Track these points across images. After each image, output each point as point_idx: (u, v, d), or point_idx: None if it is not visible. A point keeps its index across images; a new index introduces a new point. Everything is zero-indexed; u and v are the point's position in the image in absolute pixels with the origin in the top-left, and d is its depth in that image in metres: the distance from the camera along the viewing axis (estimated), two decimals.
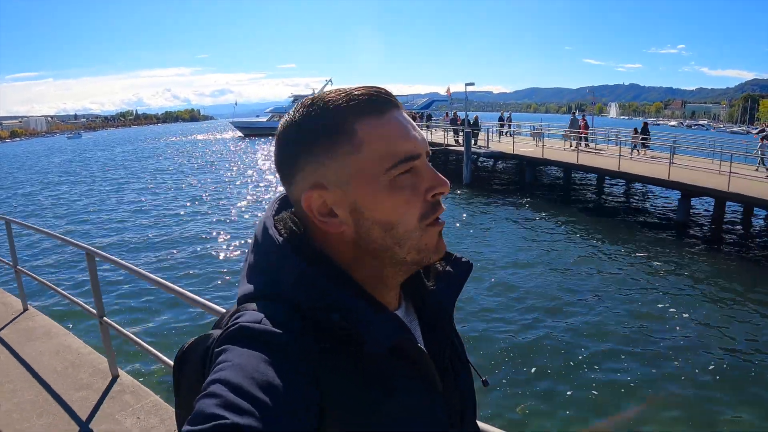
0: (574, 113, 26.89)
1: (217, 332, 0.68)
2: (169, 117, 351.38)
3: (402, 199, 0.67)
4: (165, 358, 2.99)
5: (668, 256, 12.28)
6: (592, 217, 16.64)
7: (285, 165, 0.70)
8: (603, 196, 20.44)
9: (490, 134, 25.91)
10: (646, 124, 23.15)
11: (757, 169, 16.58)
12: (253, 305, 0.65)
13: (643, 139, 21.13)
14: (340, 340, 0.64)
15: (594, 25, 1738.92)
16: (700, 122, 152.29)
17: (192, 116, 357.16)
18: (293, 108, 0.70)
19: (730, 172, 13.48)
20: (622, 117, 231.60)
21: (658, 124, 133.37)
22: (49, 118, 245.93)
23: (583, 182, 22.65)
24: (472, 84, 28.10)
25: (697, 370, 6.98)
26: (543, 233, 14.80)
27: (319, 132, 0.66)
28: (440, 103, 63.79)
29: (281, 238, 0.69)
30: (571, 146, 22.28)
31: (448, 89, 57.40)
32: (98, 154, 59.11)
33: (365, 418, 0.62)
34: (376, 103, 0.67)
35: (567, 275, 11.01)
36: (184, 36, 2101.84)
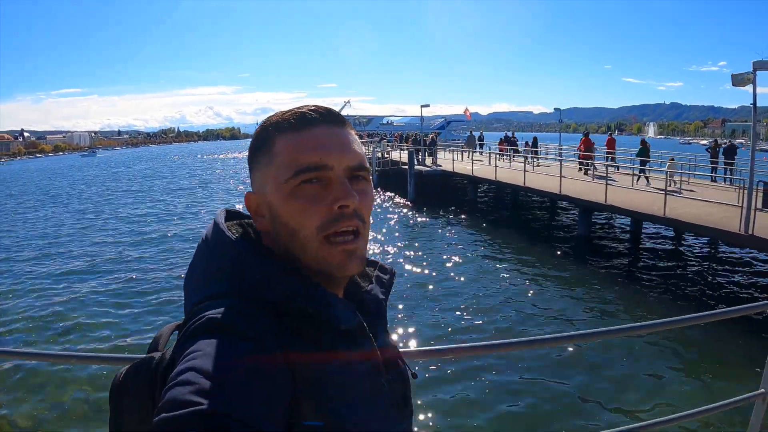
0: (471, 131, 30.66)
1: (158, 354, 0.72)
2: (210, 135, 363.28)
3: (301, 205, 0.71)
4: None
5: (562, 269, 12.41)
6: (511, 230, 16.82)
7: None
8: (524, 211, 20.55)
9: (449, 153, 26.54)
10: (535, 138, 25.45)
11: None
12: (211, 303, 0.67)
13: (534, 152, 23.31)
14: (303, 323, 0.68)
15: (633, 44, 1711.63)
16: (736, 141, 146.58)
17: (232, 134, 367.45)
18: None
19: (606, 184, 13.21)
20: (659, 137, 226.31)
21: (690, 144, 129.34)
22: (93, 134, 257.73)
23: (527, 200, 21.97)
24: (427, 106, 28.97)
25: None
26: (464, 245, 15.18)
27: (254, 146, 0.78)
28: (458, 124, 63.65)
29: (238, 239, 0.74)
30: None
31: (467, 110, 57.55)
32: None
33: (330, 394, 0.65)
34: (297, 121, 0.74)
35: (473, 282, 11.47)
36: (225, 56, 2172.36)
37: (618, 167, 18.23)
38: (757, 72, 8.71)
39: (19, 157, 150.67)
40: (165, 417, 0.51)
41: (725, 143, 20.62)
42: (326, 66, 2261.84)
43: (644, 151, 17.90)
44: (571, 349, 7.59)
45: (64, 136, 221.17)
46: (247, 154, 0.80)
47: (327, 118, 0.75)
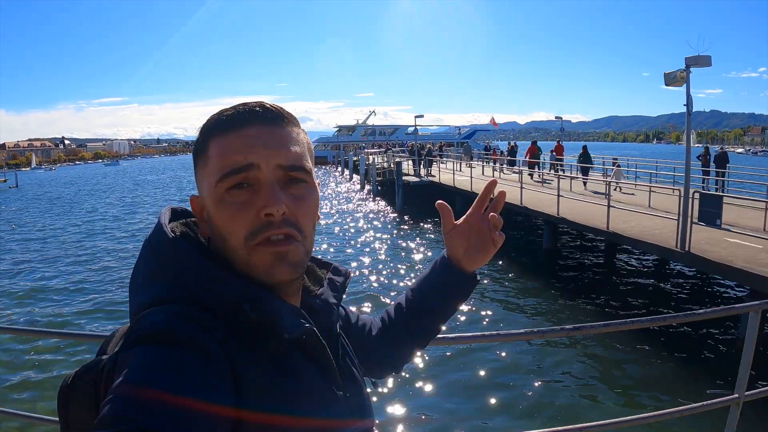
0: (467, 143, 31.29)
1: (105, 357, 0.68)
2: None
3: (229, 213, 0.67)
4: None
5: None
6: None
7: None
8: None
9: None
10: (512, 146, 26.43)
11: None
12: (155, 309, 0.63)
13: (509, 161, 23.62)
14: (250, 330, 0.64)
15: (670, 51, 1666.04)
16: None
17: None
18: None
19: (558, 195, 12.31)
20: (697, 145, 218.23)
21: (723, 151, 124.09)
22: (132, 142, 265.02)
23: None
24: (421, 116, 28.43)
25: None
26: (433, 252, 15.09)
27: (194, 148, 0.74)
28: (483, 133, 62.71)
29: (178, 238, 0.70)
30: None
31: (493, 119, 56.32)
32: None
33: (276, 403, 0.62)
34: (230, 120, 0.70)
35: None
36: (263, 66, 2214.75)
37: (560, 174, 17.48)
38: (692, 69, 7.79)
39: (59, 164, 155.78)
40: None
41: (717, 150, 19.24)
42: (364, 75, 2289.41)
43: (585, 156, 18.30)
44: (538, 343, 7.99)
45: (104, 144, 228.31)
46: None
47: (262, 116, 0.70)
